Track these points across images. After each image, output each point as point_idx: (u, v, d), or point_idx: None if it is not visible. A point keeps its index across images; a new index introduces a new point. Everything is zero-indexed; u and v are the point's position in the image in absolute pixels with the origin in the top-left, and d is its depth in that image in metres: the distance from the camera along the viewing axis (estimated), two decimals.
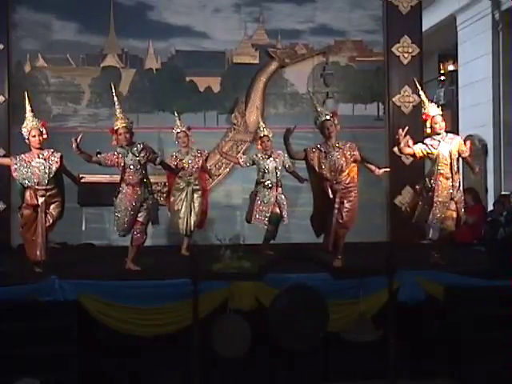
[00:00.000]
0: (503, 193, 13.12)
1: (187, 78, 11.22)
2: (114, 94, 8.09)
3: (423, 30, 11.65)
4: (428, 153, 7.87)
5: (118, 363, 6.82)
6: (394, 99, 11.08)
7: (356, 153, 7.76)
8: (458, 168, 8.04)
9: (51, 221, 7.47)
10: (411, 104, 11.02)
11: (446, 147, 7.83)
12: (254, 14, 11.37)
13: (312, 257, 6.36)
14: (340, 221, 7.62)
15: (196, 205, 9.04)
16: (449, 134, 8.02)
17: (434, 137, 7.93)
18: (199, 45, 11.20)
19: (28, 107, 7.72)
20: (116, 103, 7.95)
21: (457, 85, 16.38)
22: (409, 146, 7.91)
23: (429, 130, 8.07)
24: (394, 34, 11.15)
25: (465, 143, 8.02)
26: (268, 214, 9.03)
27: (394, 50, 11.09)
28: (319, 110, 7.96)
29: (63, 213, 7.69)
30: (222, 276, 6.88)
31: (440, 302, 6.90)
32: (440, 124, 7.92)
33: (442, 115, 8.07)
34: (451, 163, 7.82)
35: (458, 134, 15.43)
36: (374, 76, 11.48)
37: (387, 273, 6.33)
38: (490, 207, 11.99)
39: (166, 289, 6.74)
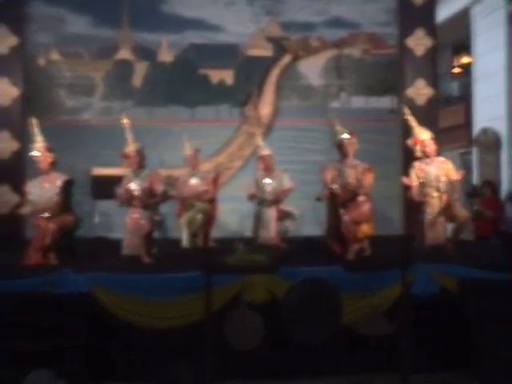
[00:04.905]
0: None
1: (200, 71, 11.24)
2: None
3: (437, 22, 11.57)
4: (420, 178, 8.07)
5: (130, 355, 6.86)
6: (407, 92, 11.03)
7: (367, 180, 7.94)
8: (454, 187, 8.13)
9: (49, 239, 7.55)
10: (425, 97, 10.96)
11: (433, 171, 7.99)
12: (267, 7, 11.36)
13: (325, 249, 6.37)
14: (345, 217, 7.74)
15: (197, 227, 8.83)
16: (439, 158, 8.17)
17: (423, 160, 8.13)
18: (212, 38, 11.20)
19: (37, 134, 7.95)
20: (128, 134, 8.17)
21: (471, 77, 16.31)
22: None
23: (419, 154, 8.18)
24: (408, 26, 11.06)
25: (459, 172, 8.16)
26: (269, 233, 8.94)
27: (407, 42, 11.03)
28: (338, 128, 8.20)
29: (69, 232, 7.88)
30: (235, 269, 6.89)
31: (454, 295, 6.86)
32: (431, 147, 8.10)
33: (433, 138, 8.22)
34: (438, 186, 7.95)
35: (471, 127, 15.55)
36: (387, 68, 11.43)
37: (401, 266, 6.34)
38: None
39: (180, 281, 6.73)
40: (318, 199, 8.29)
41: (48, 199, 7.69)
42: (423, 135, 8.13)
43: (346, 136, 8.08)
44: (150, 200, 7.89)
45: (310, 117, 11.24)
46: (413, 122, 8.31)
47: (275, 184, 9.00)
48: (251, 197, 8.99)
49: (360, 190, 7.85)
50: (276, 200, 8.91)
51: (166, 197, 8.26)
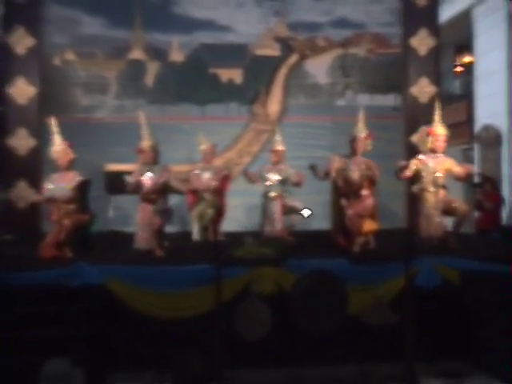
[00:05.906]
0: None
1: (210, 70, 11.43)
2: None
3: (440, 22, 11.75)
4: (416, 169, 8.28)
5: (143, 345, 7.04)
6: (411, 90, 11.25)
7: (372, 172, 8.10)
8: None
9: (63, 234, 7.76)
10: (428, 95, 11.14)
11: (432, 165, 8.20)
12: (274, 8, 11.54)
13: (331, 243, 6.53)
14: (349, 211, 7.95)
15: (207, 220, 8.91)
16: (442, 155, 8.32)
17: (428, 154, 8.35)
18: (222, 38, 11.39)
19: (55, 132, 8.13)
20: (144, 130, 8.31)
21: (473, 76, 16.48)
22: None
23: (429, 145, 8.39)
24: (412, 26, 11.27)
25: (463, 167, 8.39)
26: (275, 226, 8.96)
27: (411, 42, 11.24)
28: (360, 125, 8.31)
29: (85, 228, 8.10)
30: (244, 262, 7.05)
31: (456, 287, 6.98)
32: (441, 144, 8.29)
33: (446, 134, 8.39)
34: (435, 180, 8.15)
35: (473, 124, 15.71)
36: (391, 67, 11.60)
37: (405, 259, 6.56)
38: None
39: (191, 274, 6.89)
40: (312, 168, 8.57)
41: (63, 196, 7.82)
42: (440, 130, 8.31)
43: (362, 135, 8.25)
44: (153, 192, 8.05)
45: (317, 114, 11.49)
46: (439, 116, 8.44)
47: (281, 178, 9.11)
48: (246, 173, 9.24)
49: (363, 183, 8.07)
50: (298, 183, 9.01)
51: (167, 188, 8.42)
